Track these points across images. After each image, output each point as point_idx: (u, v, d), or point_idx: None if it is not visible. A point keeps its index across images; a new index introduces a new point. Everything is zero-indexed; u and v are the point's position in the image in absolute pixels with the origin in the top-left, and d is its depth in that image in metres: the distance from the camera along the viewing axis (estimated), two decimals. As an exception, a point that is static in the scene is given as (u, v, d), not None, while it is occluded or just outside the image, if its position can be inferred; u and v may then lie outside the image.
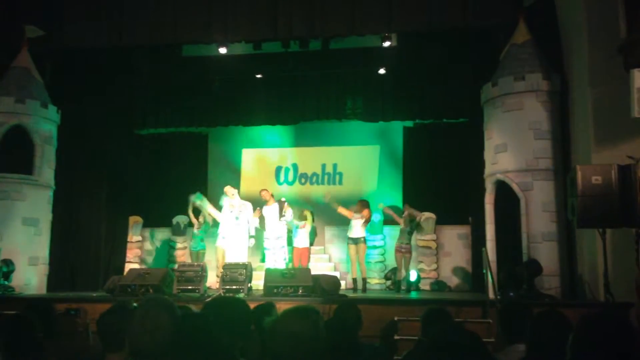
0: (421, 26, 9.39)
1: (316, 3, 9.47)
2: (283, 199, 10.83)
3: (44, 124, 9.98)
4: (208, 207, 10.48)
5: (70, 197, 11.15)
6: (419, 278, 11.13)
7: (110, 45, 10.03)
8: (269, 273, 8.77)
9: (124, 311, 2.80)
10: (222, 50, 10.43)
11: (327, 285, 8.28)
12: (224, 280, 8.60)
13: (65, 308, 6.97)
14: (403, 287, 10.37)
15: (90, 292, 9.80)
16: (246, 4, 9.63)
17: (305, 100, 12.23)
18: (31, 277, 9.63)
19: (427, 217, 11.74)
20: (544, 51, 8.84)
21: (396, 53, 11.00)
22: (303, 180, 13.39)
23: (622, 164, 6.78)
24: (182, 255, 12.39)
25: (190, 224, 11.82)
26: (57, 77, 10.73)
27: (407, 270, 10.55)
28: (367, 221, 10.36)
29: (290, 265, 10.34)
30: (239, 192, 10.47)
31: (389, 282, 11.42)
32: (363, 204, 10.40)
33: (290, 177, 13.47)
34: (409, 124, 12.77)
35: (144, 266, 12.27)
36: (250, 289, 8.74)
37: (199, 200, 10.54)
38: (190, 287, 8.55)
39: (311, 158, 13.46)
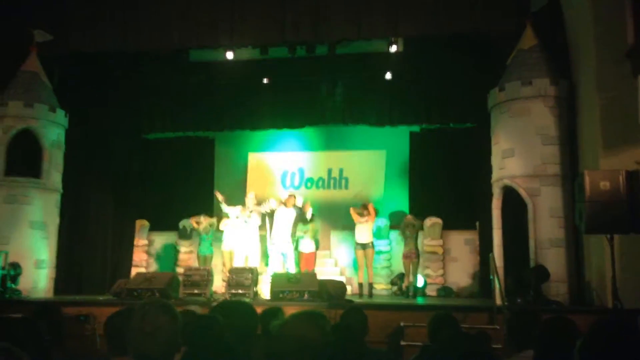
0: (428, 31, 9.39)
1: (322, 8, 9.49)
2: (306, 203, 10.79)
3: (52, 128, 10.04)
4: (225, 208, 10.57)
5: (78, 200, 11.19)
6: (425, 284, 11.10)
7: (118, 50, 10.10)
8: (275, 277, 8.76)
9: (130, 315, 2.80)
10: (229, 55, 10.47)
11: (333, 290, 8.26)
12: (230, 284, 8.60)
13: (75, 315, 6.99)
14: (410, 293, 10.34)
15: (97, 295, 9.82)
16: (253, 9, 9.66)
17: (312, 105, 12.23)
18: (38, 280, 9.66)
19: (433, 222, 11.72)
20: (551, 56, 8.82)
21: (402, 58, 11.01)
22: (309, 185, 13.38)
23: (630, 170, 6.76)
24: (188, 259, 12.40)
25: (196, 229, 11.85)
26: (65, 81, 10.80)
27: (415, 276, 10.52)
28: (373, 219, 10.35)
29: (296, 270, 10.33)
30: (245, 196, 10.48)
31: (395, 288, 11.39)
32: (365, 204, 10.42)
33: (297, 181, 13.46)
34: (416, 128, 12.75)
35: (150, 270, 12.28)
36: (256, 293, 8.74)
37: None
38: (196, 291, 8.56)
39: (317, 162, 13.46)
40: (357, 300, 8.93)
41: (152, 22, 9.83)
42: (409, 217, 10.83)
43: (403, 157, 12.92)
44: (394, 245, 11.93)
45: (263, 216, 10.37)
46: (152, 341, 2.17)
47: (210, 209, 12.94)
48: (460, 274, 11.66)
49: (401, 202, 12.79)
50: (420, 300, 10.00)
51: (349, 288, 10.07)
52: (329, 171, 13.33)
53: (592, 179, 6.82)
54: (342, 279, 10.81)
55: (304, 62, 11.30)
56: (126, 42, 9.88)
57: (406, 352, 6.52)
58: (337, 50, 10.63)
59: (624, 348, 1.85)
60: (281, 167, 13.60)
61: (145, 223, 12.83)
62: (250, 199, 10.08)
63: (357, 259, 10.41)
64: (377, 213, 10.53)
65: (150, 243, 13.00)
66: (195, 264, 11.42)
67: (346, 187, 13.19)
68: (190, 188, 13.24)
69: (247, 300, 7.98)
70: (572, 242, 8.36)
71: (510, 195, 8.77)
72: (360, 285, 10.32)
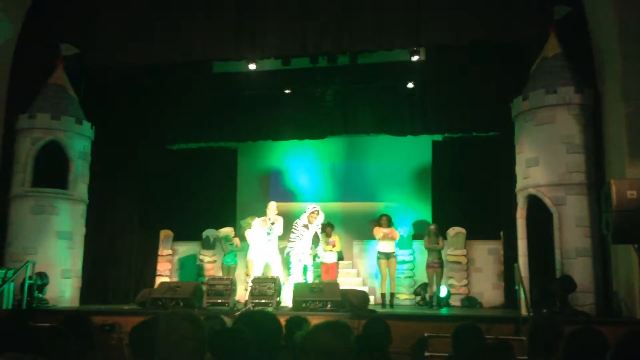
0: (450, 40, 9.37)
1: (344, 19, 9.53)
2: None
3: (79, 139, 10.21)
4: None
5: (103, 211, 11.34)
6: (449, 294, 11.02)
7: (143, 63, 10.25)
8: (297, 287, 8.76)
9: (156, 324, 2.83)
10: (252, 67, 10.56)
11: (355, 300, 8.24)
12: (252, 294, 8.62)
13: (100, 324, 7.06)
14: (434, 303, 10.26)
15: (122, 305, 9.92)
16: (275, 20, 9.75)
17: (334, 115, 12.25)
18: (65, 290, 9.80)
19: (457, 232, 11.64)
20: (575, 64, 8.73)
21: (425, 67, 10.99)
22: (331, 195, 13.38)
23: (658, 178, 6.65)
24: (211, 268, 12.47)
25: (220, 239, 11.94)
26: (91, 93, 10.99)
27: (438, 286, 10.45)
28: (396, 235, 10.35)
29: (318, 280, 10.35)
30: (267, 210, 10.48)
31: (418, 298, 11.31)
32: (389, 221, 10.32)
33: (318, 192, 13.47)
34: (438, 138, 12.70)
35: (174, 279, 12.38)
36: (279, 302, 8.75)
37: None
38: (219, 301, 8.60)
39: (339, 173, 13.46)
40: (379, 310, 8.88)
41: (176, 36, 9.97)
42: (433, 226, 10.77)
43: (425, 166, 12.87)
44: (417, 255, 11.86)
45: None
46: (178, 350, 2.20)
47: (233, 219, 13.03)
48: (485, 284, 11.54)
49: (424, 211, 12.73)
50: (444, 311, 9.91)
51: (371, 298, 10.03)
52: (351, 181, 13.32)
53: (619, 188, 6.72)
54: (365, 289, 10.78)
55: (326, 73, 11.34)
56: (150, 55, 10.05)
57: (430, 363, 6.48)
58: (358, 60, 10.66)
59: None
60: (303, 177, 13.63)
61: (170, 233, 12.95)
62: (271, 209, 10.09)
63: (380, 269, 10.35)
64: (398, 236, 10.49)
65: (174, 253, 13.11)
66: (218, 273, 11.50)
67: (369, 197, 13.15)
68: (213, 199, 13.34)
69: (270, 309, 8.00)
70: (598, 251, 8.22)
71: (535, 205, 8.67)
72: (383, 295, 10.26)
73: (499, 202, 10.68)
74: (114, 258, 11.52)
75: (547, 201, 8.43)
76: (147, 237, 12.30)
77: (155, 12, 10.13)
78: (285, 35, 9.74)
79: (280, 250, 10.26)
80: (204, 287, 8.94)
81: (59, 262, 9.71)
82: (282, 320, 3.46)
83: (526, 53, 9.44)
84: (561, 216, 8.31)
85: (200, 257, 12.68)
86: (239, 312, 6.61)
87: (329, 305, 8.17)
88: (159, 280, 11.78)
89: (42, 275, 9.16)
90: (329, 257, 10.56)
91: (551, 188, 8.44)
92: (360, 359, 2.32)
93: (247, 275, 10.50)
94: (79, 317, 3.53)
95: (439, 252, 10.47)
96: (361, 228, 12.41)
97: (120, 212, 11.77)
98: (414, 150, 12.90)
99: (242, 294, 10.34)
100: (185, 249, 13.11)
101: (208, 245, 12.72)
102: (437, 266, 10.34)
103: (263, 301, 8.44)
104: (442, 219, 11.97)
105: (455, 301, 11.26)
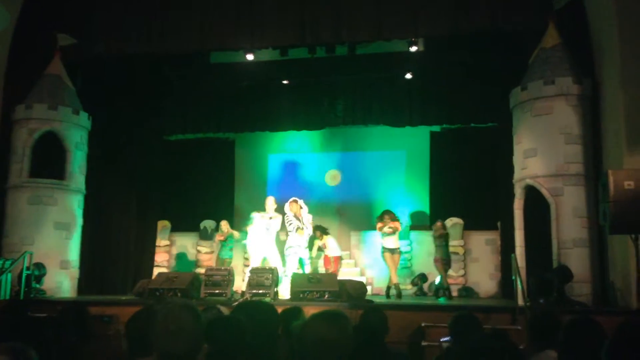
0: (448, 30, 9.34)
1: (343, 9, 9.49)
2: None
3: (76, 130, 10.18)
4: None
5: (100, 201, 11.34)
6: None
7: (139, 54, 10.20)
8: (295, 277, 8.78)
9: (152, 314, 2.83)
10: (249, 57, 10.51)
11: (353, 291, 8.25)
12: (250, 284, 8.63)
13: (98, 315, 7.06)
14: (445, 294, 10.23)
15: (120, 295, 9.93)
16: (273, 10, 9.70)
17: (332, 106, 12.22)
18: (62, 280, 9.80)
19: (454, 222, 11.66)
20: (574, 55, 8.71)
21: (423, 58, 10.96)
22: (329, 186, 13.38)
23: (656, 169, 6.65)
24: (208, 259, 12.49)
25: (217, 230, 11.94)
26: (88, 84, 10.94)
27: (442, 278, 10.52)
28: (399, 228, 10.24)
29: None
30: (265, 201, 10.46)
31: (415, 288, 11.35)
32: (392, 216, 10.09)
33: (317, 182, 13.47)
34: (436, 128, 12.69)
35: (171, 270, 12.39)
36: (276, 293, 8.76)
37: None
38: (217, 291, 8.60)
39: (337, 163, 13.45)
40: (378, 300, 8.90)
41: (173, 26, 9.92)
42: (439, 224, 10.68)
43: (424, 157, 12.85)
44: (415, 246, 11.88)
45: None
46: (176, 340, 2.20)
47: (231, 210, 13.04)
48: (482, 275, 11.59)
49: (422, 202, 12.74)
50: (441, 301, 9.94)
51: (369, 288, 10.05)
52: (349, 172, 13.32)
53: (616, 178, 6.72)
54: (362, 279, 10.80)
55: (324, 63, 11.30)
56: (148, 45, 9.99)
57: (427, 353, 6.51)
58: (357, 50, 10.62)
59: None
60: (301, 168, 13.63)
61: (167, 224, 12.96)
62: (269, 204, 10.08)
63: (387, 262, 10.14)
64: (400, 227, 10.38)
65: (172, 244, 13.12)
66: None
67: (367, 187, 13.16)
68: (211, 189, 13.34)
69: (267, 300, 8.01)
70: (595, 242, 8.25)
71: (533, 195, 8.68)
72: (389, 287, 10.07)
73: (497, 193, 10.70)
74: (111, 249, 11.52)
75: (545, 192, 8.44)
76: (145, 228, 12.30)
77: (152, 2, 10.07)
78: (284, 26, 9.69)
79: (281, 243, 10.27)
80: (202, 278, 8.94)
81: (56, 252, 9.71)
82: (279, 311, 3.47)
83: (525, 43, 9.41)
84: (558, 207, 8.32)
85: (198, 248, 12.69)
86: (236, 303, 6.63)
87: (327, 296, 8.18)
88: (156, 271, 11.78)
89: (40, 266, 9.16)
90: (333, 250, 10.58)
91: (549, 179, 8.45)
92: (357, 349, 2.32)
93: (246, 266, 10.53)
94: (77, 307, 3.53)
95: (445, 248, 10.47)
96: (359, 219, 12.43)
97: (117, 202, 11.76)
98: (412, 141, 12.89)
99: (239, 284, 10.36)
100: (182, 239, 13.12)
101: (206, 236, 12.74)
102: (445, 262, 10.37)
103: (261, 292, 8.45)
104: (440, 209, 11.99)
105: (452, 291, 11.29)
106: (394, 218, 10.00)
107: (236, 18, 9.74)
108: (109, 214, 11.64)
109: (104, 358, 3.52)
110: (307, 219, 9.93)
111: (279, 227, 10.02)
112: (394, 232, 9.85)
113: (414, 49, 10.32)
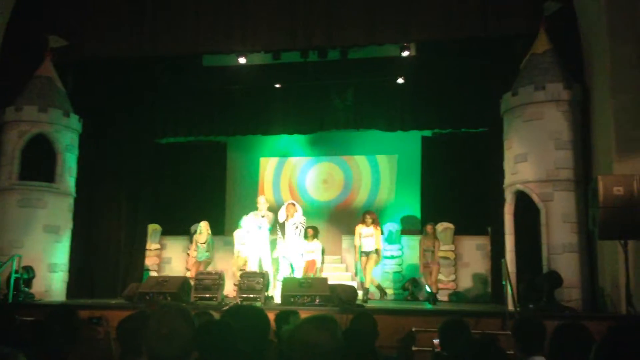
0: (440, 35, 9.38)
1: (335, 13, 9.51)
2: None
3: (66, 132, 10.12)
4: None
5: (91, 205, 11.27)
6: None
7: (131, 56, 10.18)
8: (286, 282, 8.77)
9: (143, 318, 2.82)
10: (242, 60, 10.51)
11: (344, 295, 8.24)
12: (241, 288, 8.60)
13: (87, 317, 7.00)
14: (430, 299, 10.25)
15: (109, 299, 9.87)
16: (265, 14, 9.70)
17: (324, 110, 12.23)
18: (51, 284, 9.73)
19: (445, 227, 11.68)
20: (564, 60, 8.77)
21: (415, 62, 10.99)
22: (320, 190, 13.39)
23: (645, 175, 6.70)
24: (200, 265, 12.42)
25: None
26: (79, 86, 10.89)
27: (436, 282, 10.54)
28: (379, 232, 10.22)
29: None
30: (256, 204, 10.45)
31: (406, 293, 11.36)
32: (373, 219, 10.10)
33: (308, 186, 13.47)
34: (428, 133, 12.72)
35: (162, 274, 12.32)
36: (267, 297, 8.74)
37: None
38: (207, 295, 8.57)
39: (329, 167, 13.47)
40: (369, 304, 8.90)
41: (165, 28, 9.91)
42: (430, 227, 10.68)
43: (415, 161, 12.89)
44: (406, 250, 11.89)
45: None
46: (168, 344, 2.19)
47: (222, 214, 13.01)
48: (472, 280, 11.62)
49: (413, 207, 12.77)
50: (431, 306, 9.95)
51: (360, 293, 10.04)
52: (341, 176, 13.34)
53: (606, 184, 6.77)
54: (353, 283, 10.78)
55: (316, 67, 11.31)
56: (140, 48, 9.97)
57: (417, 358, 6.51)
58: (349, 55, 10.64)
59: None
60: (293, 172, 13.63)
61: (158, 227, 12.90)
62: (261, 203, 10.09)
63: (359, 265, 10.13)
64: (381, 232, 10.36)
65: (163, 247, 13.06)
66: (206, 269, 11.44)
67: (358, 192, 13.18)
68: (203, 193, 13.31)
69: (258, 304, 7.99)
70: (585, 247, 8.29)
71: (523, 200, 8.71)
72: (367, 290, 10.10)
73: (488, 198, 10.73)
74: (102, 252, 11.45)
75: (535, 197, 8.47)
76: (135, 231, 12.22)
77: (144, 5, 10.04)
78: (276, 29, 9.70)
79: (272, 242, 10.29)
80: (192, 282, 8.91)
81: (45, 256, 9.64)
82: (272, 315, 3.46)
83: (516, 49, 9.47)
84: (548, 212, 8.36)
85: (188, 251, 12.64)
86: (226, 307, 6.60)
87: (318, 300, 8.18)
88: (147, 275, 11.72)
89: (29, 269, 9.09)
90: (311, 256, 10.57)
91: (539, 184, 8.48)
92: (347, 354, 2.31)
93: (237, 269, 10.49)
94: (65, 310, 3.50)
95: (432, 254, 10.48)
96: (349, 223, 12.43)
97: (107, 206, 11.69)
98: (404, 146, 12.93)
99: (229, 288, 10.34)
100: (173, 243, 13.07)
101: (197, 240, 12.67)
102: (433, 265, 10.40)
103: (251, 296, 8.43)
104: (431, 214, 12.02)
105: (442, 296, 11.31)
106: (374, 220, 10.01)
107: (228, 21, 9.73)
108: (99, 217, 11.57)
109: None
110: (301, 221, 9.95)
111: (269, 225, 10.02)
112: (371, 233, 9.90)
113: (405, 53, 10.36)
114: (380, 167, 13.20)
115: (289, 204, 10.07)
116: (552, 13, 8.79)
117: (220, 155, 13.78)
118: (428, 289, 10.81)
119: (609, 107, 7.81)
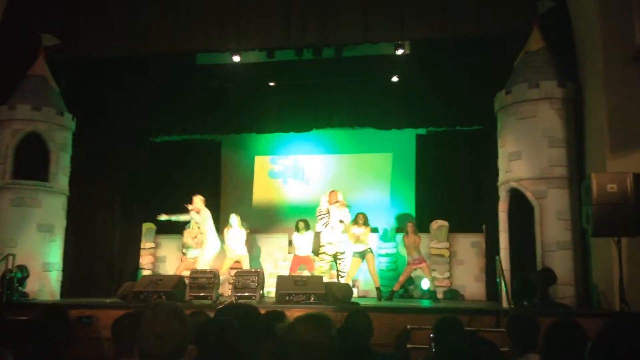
0: (434, 34, 9.38)
1: (329, 11, 9.50)
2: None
3: (60, 131, 10.08)
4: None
5: (85, 203, 11.24)
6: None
7: (124, 54, 10.13)
8: (280, 280, 8.76)
9: (139, 317, 2.81)
10: (236, 59, 10.49)
11: (339, 293, 8.25)
12: (236, 287, 8.61)
13: (77, 316, 6.98)
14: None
15: (104, 298, 9.85)
16: (259, 12, 9.68)
17: (318, 108, 12.24)
18: (45, 283, 9.69)
19: (440, 225, 11.70)
20: (558, 59, 8.79)
21: (409, 61, 11.01)
22: (315, 188, 13.37)
23: (638, 172, 6.72)
24: (193, 262, 12.38)
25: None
26: (72, 85, 10.85)
27: (430, 279, 10.59)
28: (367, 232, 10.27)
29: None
30: (251, 203, 10.50)
31: (402, 291, 11.36)
32: (365, 219, 10.20)
33: (303, 184, 13.46)
34: (422, 131, 12.74)
35: (157, 273, 12.30)
36: (262, 295, 8.74)
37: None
38: (202, 294, 8.56)
39: (324, 166, 13.46)
40: (364, 303, 8.90)
41: (159, 27, 9.86)
42: (410, 224, 10.83)
43: (409, 160, 12.90)
44: (401, 248, 11.91)
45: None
46: (161, 343, 2.19)
47: (217, 212, 12.97)
48: (467, 277, 11.63)
49: (407, 205, 12.78)
50: (426, 303, 9.98)
51: (355, 291, 10.06)
52: (336, 174, 13.33)
53: (600, 181, 6.79)
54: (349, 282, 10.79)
55: (311, 65, 11.31)
56: (133, 46, 9.92)
57: (412, 355, 6.52)
58: (343, 53, 10.65)
59: (637, 351, 1.84)
60: (288, 170, 13.62)
61: (152, 226, 12.85)
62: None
63: (351, 265, 10.21)
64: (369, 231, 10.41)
65: (157, 246, 13.02)
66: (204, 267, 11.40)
67: (352, 190, 13.16)
68: (197, 191, 13.21)
69: (253, 302, 7.99)
70: (579, 244, 8.32)
71: (517, 198, 8.74)
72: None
73: (482, 196, 10.77)
74: (96, 251, 11.42)
75: (529, 195, 8.50)
76: (130, 230, 12.21)
77: (137, 3, 10.01)
78: (270, 27, 9.68)
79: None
80: (187, 281, 8.90)
81: (39, 255, 9.60)
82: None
83: (510, 47, 9.48)
84: (542, 209, 8.38)
85: (183, 250, 12.60)
86: (221, 305, 6.60)
87: (313, 298, 8.18)
88: (141, 274, 11.69)
89: (22, 268, 9.04)
90: (303, 249, 10.56)
91: (533, 182, 8.51)
92: (341, 352, 2.31)
93: (230, 268, 10.49)
94: (57, 309, 3.50)
95: (418, 250, 10.63)
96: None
97: (102, 204, 11.66)
98: (398, 144, 12.94)
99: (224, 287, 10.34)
100: (168, 242, 13.03)
101: (191, 238, 12.63)
102: (418, 262, 10.49)
103: (246, 294, 8.43)
104: (426, 212, 12.04)
105: (437, 293, 11.34)
106: (365, 221, 10.11)
107: (221, 19, 9.70)
108: (93, 216, 11.53)
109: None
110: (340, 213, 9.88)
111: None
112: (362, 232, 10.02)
113: (400, 52, 10.37)
114: (375, 165, 13.20)
115: (332, 191, 10.09)
116: (546, 11, 8.80)
117: (215, 154, 13.74)
118: (424, 287, 10.86)
119: (602, 105, 7.83)
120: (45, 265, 9.71)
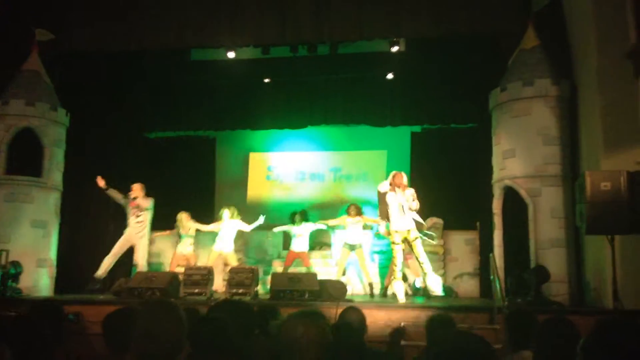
0: (430, 31, 9.38)
1: (324, 8, 9.49)
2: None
3: (53, 126, 10.03)
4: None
5: (79, 199, 11.19)
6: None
7: (119, 50, 10.10)
8: (274, 277, 8.76)
9: (131, 313, 2.81)
10: (231, 55, 10.47)
11: (333, 290, 8.25)
12: (230, 284, 8.60)
13: (65, 314, 6.95)
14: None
15: (97, 294, 9.81)
16: (254, 8, 9.66)
17: (313, 105, 12.23)
18: (39, 279, 9.66)
19: (434, 222, 11.71)
20: (552, 57, 8.81)
21: (404, 58, 11.00)
22: (310, 185, 13.38)
23: (632, 170, 6.75)
24: (181, 257, 12.33)
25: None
26: (66, 80, 10.79)
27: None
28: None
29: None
30: (245, 199, 10.50)
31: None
32: (357, 209, 10.22)
33: (297, 181, 13.45)
34: (417, 129, 12.75)
35: (150, 269, 12.24)
36: (256, 292, 8.73)
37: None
38: (196, 291, 8.55)
39: (318, 162, 13.46)
40: (357, 300, 8.91)
41: (153, 22, 9.83)
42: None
43: (404, 157, 12.91)
44: (395, 245, 11.90)
45: None
46: (157, 342, 2.17)
47: (211, 208, 12.95)
48: (461, 275, 11.64)
49: (402, 202, 12.77)
50: (420, 300, 9.98)
51: (349, 288, 10.06)
52: (330, 171, 13.34)
53: (593, 179, 6.81)
54: (343, 279, 10.79)
55: (306, 62, 11.30)
56: (128, 41, 9.88)
57: (406, 352, 6.52)
58: (338, 50, 10.64)
59: (629, 349, 1.85)
60: (282, 166, 13.61)
61: (146, 222, 12.80)
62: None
63: (340, 257, 10.28)
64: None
65: (151, 242, 12.97)
66: (198, 263, 11.36)
67: (347, 187, 13.19)
68: (191, 188, 13.23)
69: (247, 299, 7.99)
70: (572, 242, 8.35)
71: (511, 196, 8.76)
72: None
73: (476, 193, 10.78)
74: (89, 247, 11.36)
75: (523, 192, 8.52)
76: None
77: (132, -2, 9.98)
78: (265, 24, 9.65)
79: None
80: (181, 277, 8.88)
81: (33, 251, 9.56)
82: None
83: (504, 45, 9.49)
84: (536, 207, 8.40)
85: (177, 246, 12.56)
86: (213, 302, 6.59)
87: (307, 295, 8.17)
88: (135, 270, 11.65)
89: (16, 264, 9.00)
90: (298, 244, 10.54)
91: (527, 179, 8.53)
92: (335, 348, 2.32)
93: (225, 265, 10.47)
94: (48, 305, 3.48)
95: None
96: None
97: (95, 200, 11.59)
98: (393, 141, 12.95)
99: (219, 283, 10.31)
100: (162, 238, 12.98)
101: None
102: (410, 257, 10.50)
103: (240, 291, 8.42)
104: (420, 209, 12.02)
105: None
106: (359, 212, 10.15)
107: (216, 15, 9.67)
108: (87, 212, 11.49)
109: (77, 356, 3.48)
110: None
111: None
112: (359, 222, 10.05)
113: (395, 49, 10.37)
114: (370, 163, 13.21)
115: (395, 174, 8.72)
116: (541, 9, 8.82)
117: (210, 150, 13.72)
118: (417, 284, 10.86)
119: (596, 103, 7.85)
120: (39, 261, 9.68)
